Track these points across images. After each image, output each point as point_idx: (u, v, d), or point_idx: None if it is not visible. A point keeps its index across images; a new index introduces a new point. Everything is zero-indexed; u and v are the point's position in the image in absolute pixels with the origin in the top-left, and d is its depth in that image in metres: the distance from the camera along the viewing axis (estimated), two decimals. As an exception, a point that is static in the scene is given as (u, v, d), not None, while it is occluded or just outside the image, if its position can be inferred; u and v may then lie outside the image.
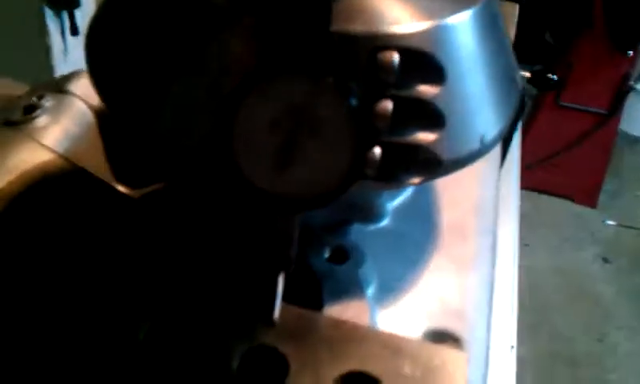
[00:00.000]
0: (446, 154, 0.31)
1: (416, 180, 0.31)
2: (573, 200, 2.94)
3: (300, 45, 0.27)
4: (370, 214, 0.38)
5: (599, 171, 2.87)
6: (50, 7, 1.33)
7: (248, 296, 0.29)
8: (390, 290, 0.35)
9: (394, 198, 0.38)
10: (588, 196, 2.93)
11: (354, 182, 0.28)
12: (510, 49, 0.36)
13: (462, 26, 0.31)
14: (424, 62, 0.30)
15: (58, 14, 1.37)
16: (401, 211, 0.39)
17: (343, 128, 0.27)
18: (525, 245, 2.72)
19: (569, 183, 2.91)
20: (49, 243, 0.40)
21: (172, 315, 0.30)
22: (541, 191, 2.97)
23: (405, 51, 0.29)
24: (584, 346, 2.31)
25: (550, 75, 0.95)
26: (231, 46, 0.29)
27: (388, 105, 0.29)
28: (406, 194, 0.39)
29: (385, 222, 0.38)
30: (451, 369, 0.28)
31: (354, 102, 0.27)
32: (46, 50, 1.32)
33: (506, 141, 0.79)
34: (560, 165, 2.84)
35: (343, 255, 0.34)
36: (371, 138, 0.29)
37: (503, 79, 0.34)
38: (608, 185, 2.93)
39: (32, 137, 0.48)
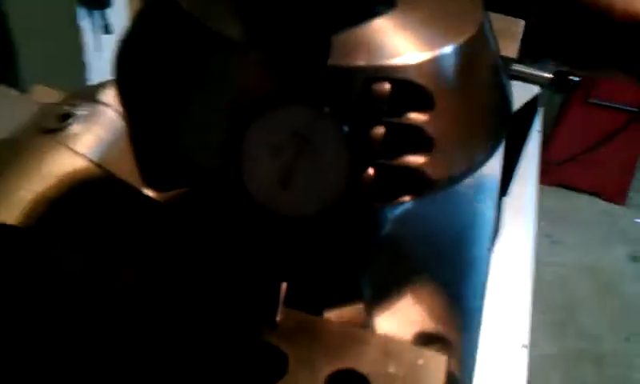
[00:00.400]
0: (435, 175, 0.33)
1: (407, 198, 0.34)
2: (602, 197, 2.93)
3: (301, 77, 0.30)
4: (373, 225, 0.41)
5: (629, 169, 2.85)
6: (83, 7, 1.38)
7: (253, 300, 0.33)
8: (386, 295, 0.38)
9: (394, 209, 0.41)
10: (618, 193, 2.91)
11: (349, 200, 0.31)
12: (501, 70, 0.39)
13: (451, 57, 0.33)
14: (413, 91, 0.32)
15: (91, 14, 1.41)
16: (400, 221, 0.41)
17: (339, 152, 0.30)
18: (553, 242, 2.72)
19: (598, 181, 2.90)
20: (82, 245, 0.43)
21: (183, 312, 0.33)
22: (570, 188, 2.96)
23: (396, 82, 0.32)
24: (611, 345, 2.31)
25: (571, 77, 0.97)
26: (241, 77, 0.32)
27: (380, 130, 0.31)
28: (406, 205, 0.42)
29: (385, 231, 0.41)
30: (432, 368, 0.31)
31: (347, 128, 0.30)
32: (79, 48, 1.37)
33: (511, 160, 0.82)
34: (590, 162, 2.83)
35: (346, 266, 0.38)
36: (365, 161, 0.32)
37: (492, 101, 0.37)
38: (638, 182, 2.92)
39: (66, 144, 0.51)
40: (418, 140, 0.33)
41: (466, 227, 0.44)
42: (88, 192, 0.48)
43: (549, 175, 3.00)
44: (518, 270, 0.89)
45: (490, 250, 0.45)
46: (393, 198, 0.33)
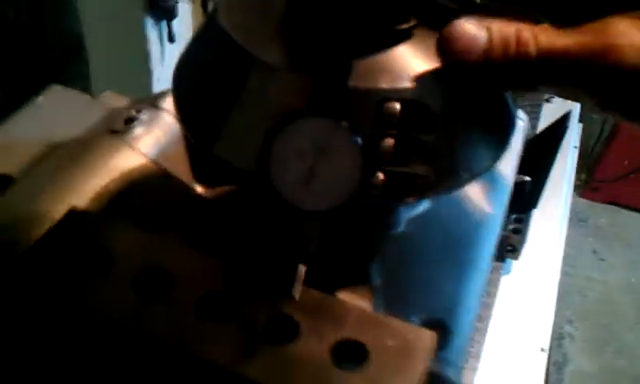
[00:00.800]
0: (437, 181, 0.39)
1: (412, 200, 0.40)
2: (653, 216, 2.91)
3: (323, 95, 0.37)
4: (390, 224, 0.47)
5: (681, 189, 2.82)
6: (151, 17, 1.47)
7: (278, 277, 0.39)
8: (393, 285, 0.44)
9: (409, 210, 0.48)
10: (668, 213, 2.89)
11: (361, 199, 0.38)
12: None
13: (450, 84, 0.39)
14: (421, 110, 0.38)
15: (158, 24, 1.51)
16: (415, 221, 0.48)
17: (352, 159, 0.37)
18: (600, 259, 2.71)
19: (649, 199, 2.88)
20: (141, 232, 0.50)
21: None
22: (621, 206, 2.95)
23: (405, 102, 0.38)
24: (650, 365, 2.30)
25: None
26: (274, 95, 0.39)
27: (390, 142, 0.38)
28: (422, 207, 0.49)
29: (400, 229, 0.47)
30: (422, 342, 0.37)
31: (360, 140, 0.37)
32: (145, 56, 1.45)
33: (541, 173, 0.86)
34: (640, 180, 2.81)
35: (358, 255, 0.44)
36: (377, 167, 0.38)
37: (493, 117, 0.42)
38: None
39: (129, 144, 0.59)
40: (423, 152, 0.39)
41: (474, 227, 0.50)
42: (145, 186, 0.55)
43: (599, 193, 2.99)
44: (545, 277, 0.94)
45: (494, 249, 0.50)
46: (399, 199, 0.40)
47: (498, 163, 0.43)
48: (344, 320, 0.38)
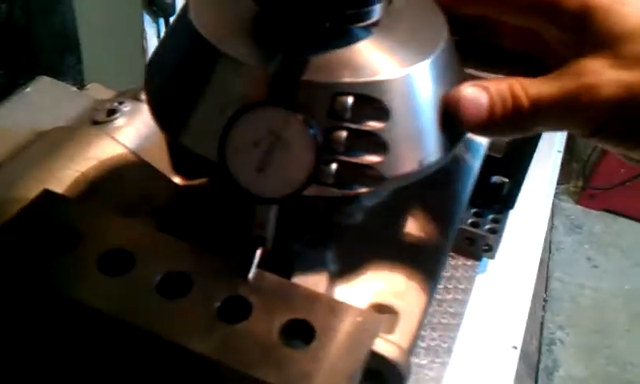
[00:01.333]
0: (388, 173, 0.41)
1: (364, 190, 0.42)
2: (647, 224, 2.92)
3: (280, 87, 0.39)
4: (348, 213, 0.49)
5: (676, 197, 2.84)
6: (148, 14, 1.49)
7: (236, 260, 0.41)
8: (348, 271, 0.45)
9: (367, 200, 0.50)
10: (663, 221, 2.90)
11: (314, 188, 0.40)
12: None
13: (409, 78, 0.41)
14: (372, 104, 0.40)
15: (156, 20, 1.53)
16: (373, 211, 0.50)
17: (305, 148, 0.39)
18: (594, 266, 2.73)
19: (644, 207, 2.90)
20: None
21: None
22: (616, 214, 2.96)
23: (357, 96, 0.40)
24: (641, 373, 2.32)
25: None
26: (237, 87, 0.41)
27: (342, 134, 0.40)
28: (380, 198, 0.51)
29: (358, 219, 0.49)
30: (368, 324, 0.39)
31: (314, 130, 0.39)
32: (143, 52, 1.48)
33: (517, 175, 0.89)
34: (637, 188, 2.82)
35: (315, 241, 0.46)
36: (330, 157, 0.40)
37: (445, 115, 0.43)
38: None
39: (110, 135, 0.61)
40: (374, 144, 0.41)
41: (432, 219, 0.52)
42: (123, 175, 0.57)
43: (595, 200, 3.00)
44: (521, 277, 0.95)
45: (448, 242, 0.52)
46: (351, 188, 0.42)
47: (448, 158, 0.45)
48: (295, 301, 0.40)
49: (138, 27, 1.45)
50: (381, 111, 0.41)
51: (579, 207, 3.01)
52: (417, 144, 0.43)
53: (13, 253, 0.41)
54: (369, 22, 0.43)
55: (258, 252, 0.41)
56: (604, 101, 0.40)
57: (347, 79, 0.40)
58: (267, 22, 0.43)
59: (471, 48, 0.51)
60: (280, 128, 0.38)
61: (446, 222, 0.52)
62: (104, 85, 0.78)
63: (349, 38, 0.43)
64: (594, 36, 0.41)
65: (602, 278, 2.65)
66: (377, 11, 0.43)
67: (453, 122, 0.44)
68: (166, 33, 0.49)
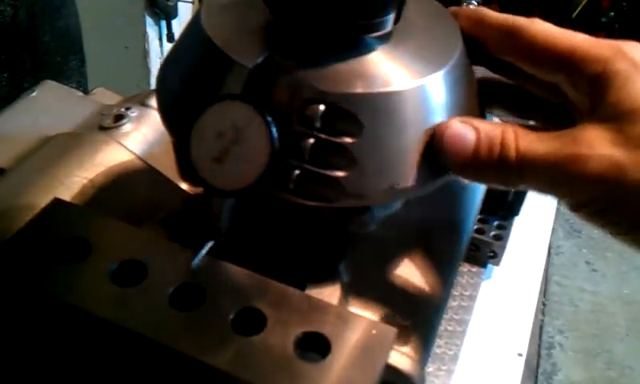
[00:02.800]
0: (352, 189, 0.40)
1: (325, 202, 0.40)
2: (649, 229, 2.91)
3: (254, 86, 0.39)
4: (361, 224, 0.49)
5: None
6: (150, 16, 1.49)
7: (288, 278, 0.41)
8: (362, 282, 0.45)
9: (380, 212, 0.49)
10: (665, 227, 2.89)
11: (277, 191, 0.40)
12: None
13: (389, 97, 0.40)
14: (344, 117, 0.39)
15: (158, 23, 1.53)
16: (386, 222, 0.49)
17: (262, 146, 0.38)
18: (593, 270, 2.73)
19: (645, 212, 2.89)
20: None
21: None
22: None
23: (330, 106, 0.39)
24: (640, 377, 2.32)
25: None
26: (218, 81, 0.41)
27: (309, 141, 0.39)
28: (392, 210, 0.50)
29: (371, 229, 0.49)
30: (383, 337, 0.39)
31: (273, 133, 0.38)
32: (144, 54, 1.48)
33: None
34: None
35: (328, 252, 0.46)
36: (294, 163, 0.39)
37: (424, 146, 0.41)
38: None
39: (117, 140, 0.60)
40: (342, 157, 0.40)
41: (443, 229, 0.52)
42: (131, 181, 0.57)
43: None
44: (526, 284, 0.95)
45: (463, 253, 0.52)
46: (313, 199, 0.40)
47: (426, 190, 0.43)
48: (310, 314, 0.39)
49: (140, 29, 1.45)
50: (353, 125, 0.39)
51: (578, 211, 3.00)
52: (394, 166, 0.41)
53: (23, 262, 0.41)
54: (380, 33, 0.43)
55: (209, 243, 0.41)
56: (590, 176, 0.38)
57: (321, 87, 0.39)
58: (280, 30, 0.43)
59: (497, 90, 0.49)
60: (242, 124, 0.38)
61: (458, 231, 0.52)
62: (106, 86, 0.77)
63: (358, 49, 0.42)
64: (604, 105, 0.39)
65: (601, 282, 2.65)
66: (388, 23, 0.43)
67: (435, 154, 0.42)
68: (179, 39, 0.49)
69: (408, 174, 0.41)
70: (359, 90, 0.40)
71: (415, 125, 0.41)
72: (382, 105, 0.40)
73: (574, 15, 3.53)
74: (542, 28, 0.43)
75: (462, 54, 0.44)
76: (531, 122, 0.49)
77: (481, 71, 0.48)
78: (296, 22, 0.42)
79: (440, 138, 0.41)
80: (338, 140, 0.39)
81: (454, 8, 0.48)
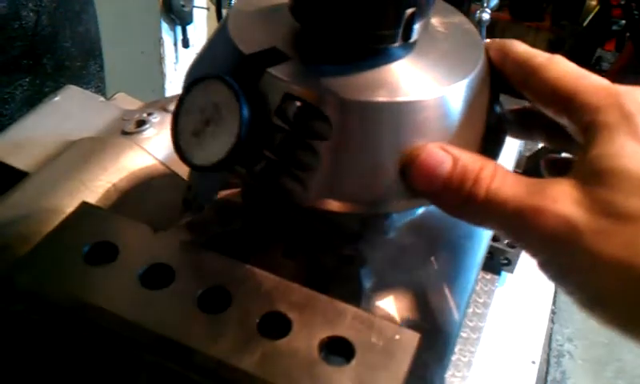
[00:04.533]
0: (313, 191, 0.41)
1: (284, 197, 0.41)
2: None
3: (243, 71, 0.40)
4: (380, 230, 0.49)
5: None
6: (166, 21, 1.50)
7: (312, 283, 0.42)
8: (383, 288, 0.46)
9: (400, 218, 0.50)
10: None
11: (234, 164, 0.41)
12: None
13: (366, 108, 0.40)
14: (318, 117, 0.40)
15: (173, 28, 1.54)
16: (406, 228, 0.50)
17: (234, 124, 0.39)
18: (603, 279, 2.72)
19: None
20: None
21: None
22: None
23: (306, 103, 0.39)
24: (650, 386, 2.31)
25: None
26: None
27: (278, 136, 0.40)
28: (412, 215, 0.51)
29: (392, 235, 0.50)
30: (406, 342, 0.39)
31: (245, 113, 0.39)
32: (160, 60, 1.49)
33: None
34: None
35: (350, 259, 0.46)
36: (266, 153, 0.41)
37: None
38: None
39: (140, 145, 0.61)
40: (308, 157, 0.40)
41: (463, 237, 0.52)
42: (153, 185, 0.58)
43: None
44: (539, 292, 0.96)
45: (482, 258, 0.53)
46: (278, 192, 0.41)
47: (404, 211, 0.44)
48: (334, 318, 0.40)
49: (156, 35, 1.47)
50: (324, 127, 0.40)
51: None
52: (361, 178, 0.41)
53: (53, 266, 0.42)
54: (405, 42, 0.43)
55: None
56: (543, 232, 0.36)
57: (298, 85, 0.40)
58: (307, 40, 0.44)
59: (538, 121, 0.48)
60: (221, 102, 0.40)
61: (478, 239, 0.53)
62: (124, 90, 0.78)
63: (383, 58, 0.43)
64: (583, 159, 0.37)
65: (611, 291, 2.64)
66: (413, 32, 0.43)
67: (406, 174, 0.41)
68: (204, 47, 0.49)
69: (375, 194, 0.41)
70: (337, 94, 0.40)
71: (393, 142, 0.41)
72: (357, 113, 0.40)
73: (585, 23, 3.53)
74: (556, 68, 0.41)
75: (483, 64, 0.45)
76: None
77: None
78: (322, 31, 0.42)
79: (411, 162, 0.40)
80: (308, 139, 0.40)
81: (487, 41, 0.47)
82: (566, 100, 0.40)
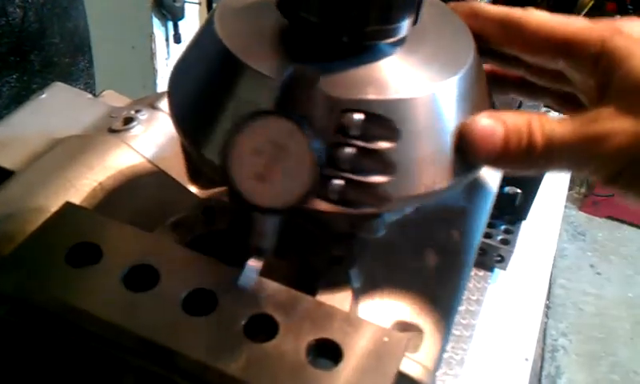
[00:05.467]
0: (396, 194, 0.41)
1: (369, 210, 0.41)
2: (654, 232, 2.92)
3: (289, 99, 0.38)
4: (371, 229, 0.49)
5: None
6: (157, 17, 1.49)
7: (299, 285, 0.41)
8: (372, 287, 0.45)
9: (390, 217, 0.49)
10: (669, 230, 2.89)
11: (320, 203, 0.39)
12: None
13: (423, 100, 0.40)
14: (381, 123, 0.39)
15: (164, 23, 1.52)
16: (395, 226, 0.49)
17: (307, 161, 0.37)
18: (597, 273, 2.73)
19: (650, 215, 2.89)
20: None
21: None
22: (621, 221, 2.96)
23: (367, 114, 0.39)
24: (643, 380, 2.31)
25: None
26: (263, 102, 0.41)
27: (349, 151, 0.39)
28: (403, 214, 0.50)
29: (381, 234, 0.49)
30: (394, 344, 0.39)
31: (315, 145, 0.37)
32: (151, 55, 1.47)
33: (530, 188, 0.88)
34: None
35: (339, 258, 0.46)
36: (336, 173, 0.39)
37: (460, 143, 0.42)
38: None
39: (127, 143, 0.60)
40: (382, 163, 0.40)
41: (454, 235, 0.52)
42: (140, 184, 0.57)
43: (599, 207, 3.00)
44: (532, 288, 0.95)
45: (474, 257, 0.52)
46: (357, 207, 0.41)
47: (461, 185, 0.44)
48: (321, 320, 0.39)
49: (147, 30, 1.45)
50: (391, 131, 0.40)
51: (583, 214, 3.00)
52: (427, 167, 0.42)
53: (35, 267, 0.41)
54: (394, 39, 0.43)
55: (253, 261, 0.40)
56: (615, 150, 0.39)
57: (358, 96, 0.40)
58: (294, 36, 0.43)
59: (510, 80, 0.51)
60: (283, 139, 0.37)
61: (469, 236, 0.52)
62: (113, 86, 0.77)
63: (372, 55, 0.43)
64: (610, 81, 0.41)
65: (605, 286, 2.65)
66: (402, 29, 0.43)
67: (465, 150, 0.43)
68: (190, 43, 0.48)
69: (444, 172, 0.42)
70: (392, 96, 0.40)
71: (445, 124, 0.42)
72: (414, 108, 0.41)
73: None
74: (537, 17, 0.44)
75: (473, 56, 0.45)
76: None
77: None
78: (310, 28, 0.41)
79: (470, 135, 0.42)
80: (376, 147, 0.40)
81: (451, 4, 0.48)
82: (560, 42, 0.43)
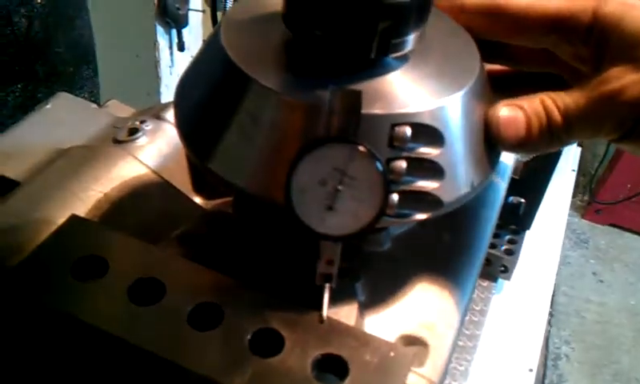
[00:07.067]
0: (445, 197, 0.41)
1: (423, 217, 0.42)
2: (655, 240, 2.91)
3: (340, 123, 0.38)
4: (377, 242, 0.49)
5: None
6: (161, 25, 1.49)
7: (305, 299, 0.41)
8: (378, 301, 0.45)
9: (396, 229, 0.49)
10: (671, 237, 2.89)
11: (379, 221, 0.39)
12: None
13: (456, 104, 0.41)
14: (428, 132, 0.40)
15: (168, 32, 1.53)
16: (400, 240, 0.49)
17: (375, 182, 0.37)
18: (599, 281, 2.72)
19: (652, 223, 2.89)
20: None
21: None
22: (623, 229, 2.95)
23: (414, 125, 0.39)
24: (646, 389, 2.31)
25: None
26: (271, 117, 0.40)
27: (402, 164, 0.39)
28: (408, 226, 0.50)
29: (386, 247, 0.49)
30: (400, 359, 0.39)
31: (379, 164, 0.37)
32: (155, 63, 1.48)
33: (534, 197, 0.88)
34: (643, 204, 2.82)
35: (345, 272, 0.46)
36: (391, 188, 0.39)
37: (487, 135, 0.44)
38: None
39: (132, 154, 0.60)
40: (432, 170, 0.41)
41: (457, 248, 0.52)
42: (145, 195, 0.57)
43: (601, 215, 3.00)
44: (537, 299, 0.95)
45: (478, 270, 0.52)
46: (411, 216, 0.42)
47: (492, 177, 0.46)
48: (327, 335, 0.39)
49: (151, 38, 1.45)
50: (436, 138, 0.41)
51: (585, 222, 3.00)
52: (468, 166, 0.43)
53: (40, 280, 0.41)
54: (402, 53, 0.43)
55: (327, 291, 0.41)
56: (629, 103, 0.41)
57: (404, 110, 0.40)
58: (300, 50, 0.43)
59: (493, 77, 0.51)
60: (345, 164, 0.37)
61: (475, 248, 0.52)
62: (117, 95, 0.77)
63: (383, 68, 0.43)
64: (609, 45, 0.42)
65: (608, 293, 2.64)
66: (409, 42, 0.43)
67: (492, 141, 0.45)
68: (197, 55, 0.49)
69: (480, 168, 0.44)
70: (434, 105, 0.41)
71: (475, 121, 0.44)
72: (451, 112, 0.42)
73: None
74: (517, 0, 0.45)
75: (480, 74, 0.45)
76: None
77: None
78: (316, 41, 0.41)
79: (495, 126, 0.44)
80: (426, 155, 0.41)
81: (436, 1, 0.49)
82: (548, 18, 0.44)
